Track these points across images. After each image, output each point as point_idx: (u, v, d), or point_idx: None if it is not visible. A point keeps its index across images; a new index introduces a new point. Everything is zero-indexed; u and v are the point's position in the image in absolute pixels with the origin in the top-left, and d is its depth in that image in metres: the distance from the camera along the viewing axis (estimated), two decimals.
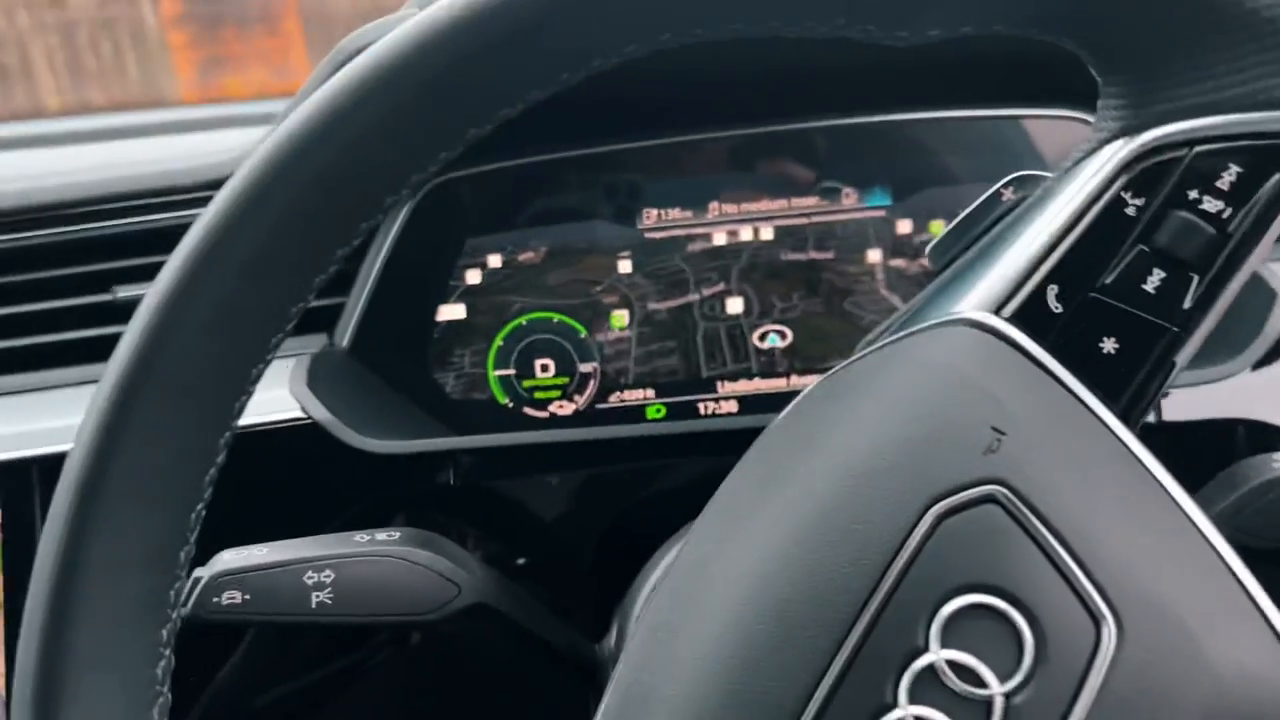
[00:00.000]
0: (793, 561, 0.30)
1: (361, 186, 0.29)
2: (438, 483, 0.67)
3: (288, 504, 0.62)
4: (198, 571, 0.46)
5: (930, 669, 0.28)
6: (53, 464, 0.60)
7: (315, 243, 0.29)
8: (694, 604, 0.31)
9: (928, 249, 0.38)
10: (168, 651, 0.28)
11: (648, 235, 0.68)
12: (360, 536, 0.48)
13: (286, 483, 0.65)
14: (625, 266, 0.68)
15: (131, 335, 0.28)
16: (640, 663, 0.31)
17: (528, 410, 0.69)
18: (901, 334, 0.34)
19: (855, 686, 0.28)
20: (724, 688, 0.29)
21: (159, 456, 0.28)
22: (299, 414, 0.62)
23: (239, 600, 0.45)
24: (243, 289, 0.28)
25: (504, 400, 0.68)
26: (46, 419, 0.63)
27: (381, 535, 0.48)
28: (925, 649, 0.28)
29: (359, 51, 0.59)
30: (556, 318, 0.68)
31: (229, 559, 0.47)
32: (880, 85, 0.70)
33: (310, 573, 0.45)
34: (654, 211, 0.68)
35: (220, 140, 0.88)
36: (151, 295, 0.28)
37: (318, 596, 0.45)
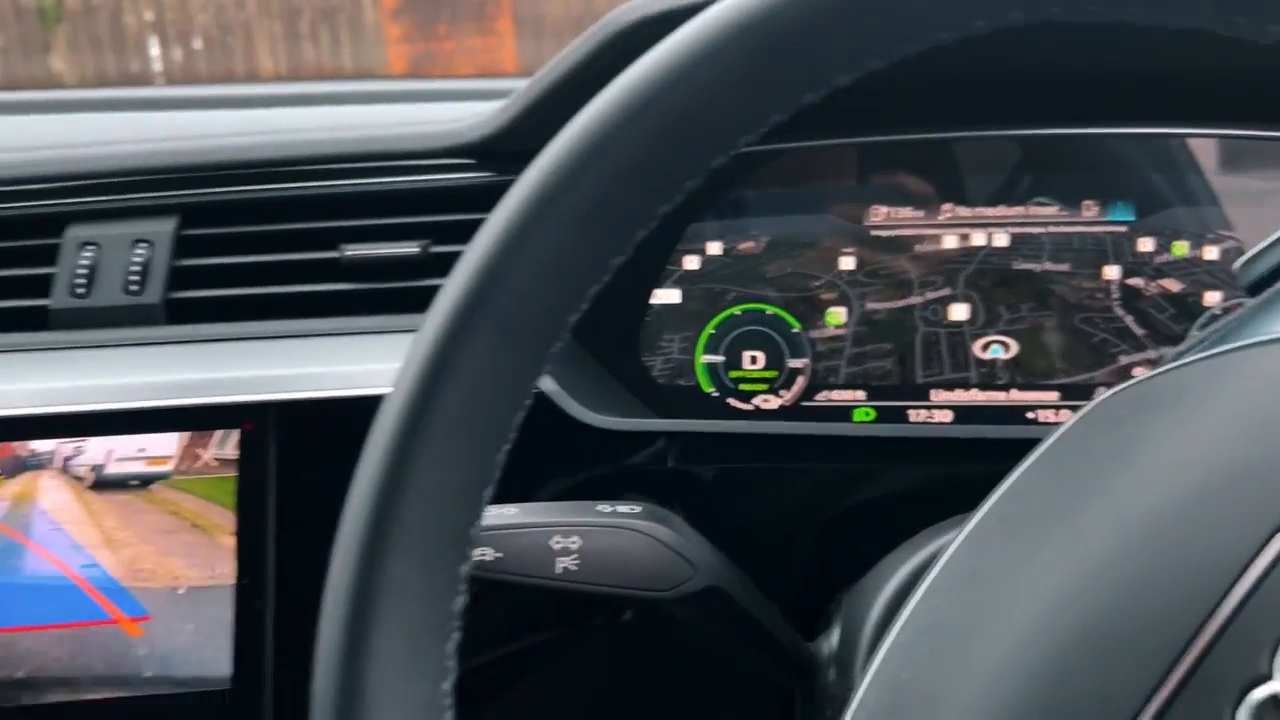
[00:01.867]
0: (1119, 575, 0.28)
1: (693, 145, 0.28)
2: (638, 465, 0.67)
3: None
4: None
5: (1274, 700, 0.26)
6: (289, 408, 0.62)
7: (643, 198, 0.28)
8: (987, 609, 0.29)
9: (1237, 264, 0.35)
10: (464, 589, 0.28)
11: (874, 233, 0.66)
12: (603, 507, 0.47)
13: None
14: (848, 263, 0.66)
15: (467, 270, 0.28)
16: (915, 661, 0.29)
17: (731, 401, 0.67)
18: (1227, 348, 0.31)
19: (1186, 712, 0.26)
20: (1027, 701, 0.27)
21: (483, 391, 0.28)
22: None
23: (489, 558, 0.45)
24: (574, 238, 0.28)
25: (709, 389, 0.67)
26: (278, 366, 0.65)
27: (624, 508, 0.47)
28: (1269, 677, 0.26)
29: (636, 22, 0.59)
30: (771, 310, 0.67)
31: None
32: (1133, 97, 0.66)
33: (558, 537, 0.45)
34: (883, 209, 0.66)
35: (431, 112, 0.89)
36: (491, 231, 0.28)
37: (562, 563, 0.45)
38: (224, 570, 0.59)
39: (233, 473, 0.60)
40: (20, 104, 0.96)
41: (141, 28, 5.68)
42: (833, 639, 0.50)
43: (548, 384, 0.61)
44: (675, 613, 0.47)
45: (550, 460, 0.64)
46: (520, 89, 0.69)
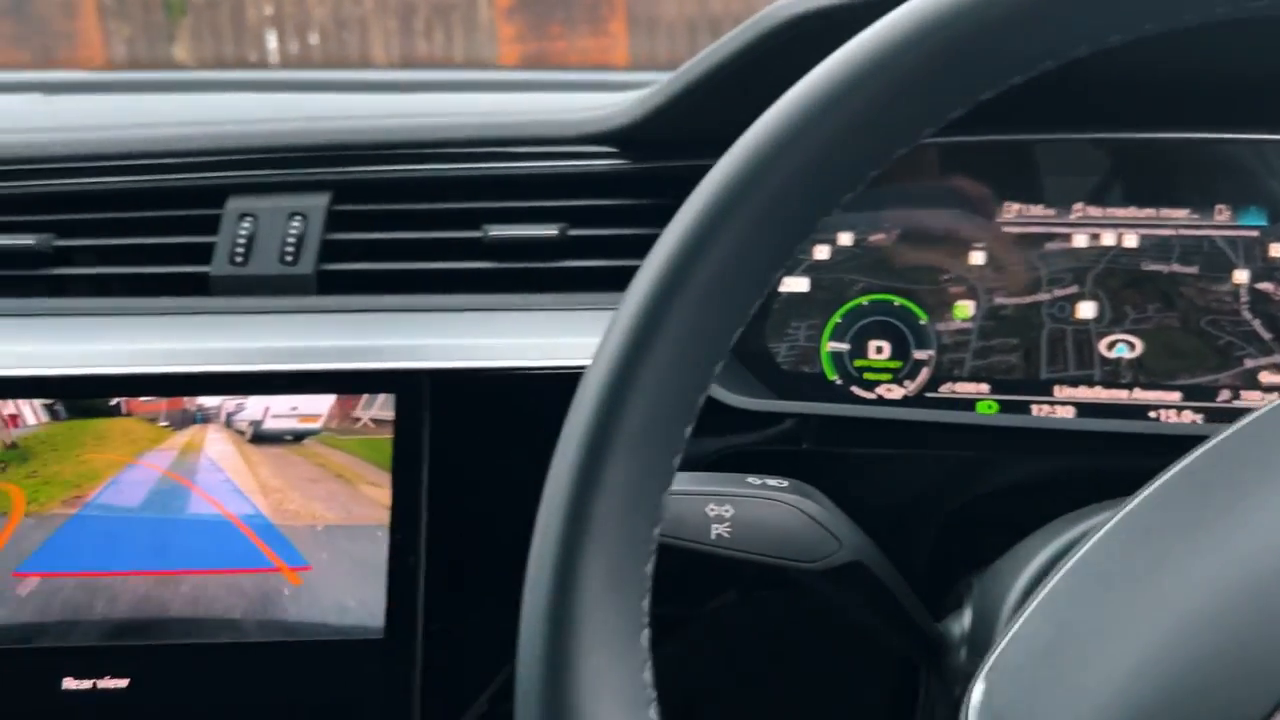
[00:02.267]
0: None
1: (881, 138, 0.30)
2: (764, 447, 0.69)
3: None
4: None
5: None
6: (442, 377, 0.65)
7: (827, 187, 0.30)
8: (1141, 585, 0.30)
9: None
10: (654, 549, 0.30)
11: (1005, 229, 0.67)
12: (753, 479, 0.49)
13: None
14: (978, 258, 0.67)
15: (669, 246, 0.30)
16: (1080, 601, 0.30)
17: (855, 389, 0.69)
18: None
19: None
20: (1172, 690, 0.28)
21: (680, 363, 0.30)
22: None
23: None
24: (761, 228, 0.30)
25: (833, 376, 0.69)
26: (426, 337, 0.68)
27: (772, 482, 0.49)
28: None
29: (792, 19, 0.61)
30: (898, 301, 0.68)
31: None
32: (1269, 102, 0.66)
33: (712, 505, 0.48)
34: (1015, 206, 0.67)
35: (548, 101, 0.92)
36: (696, 203, 0.30)
37: (717, 529, 0.47)
38: (360, 513, 0.62)
39: (383, 433, 0.64)
40: (151, 83, 1.02)
41: (261, 21, 5.87)
42: (964, 620, 0.51)
43: None
44: (817, 585, 0.49)
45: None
46: (664, 80, 0.71)
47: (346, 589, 0.61)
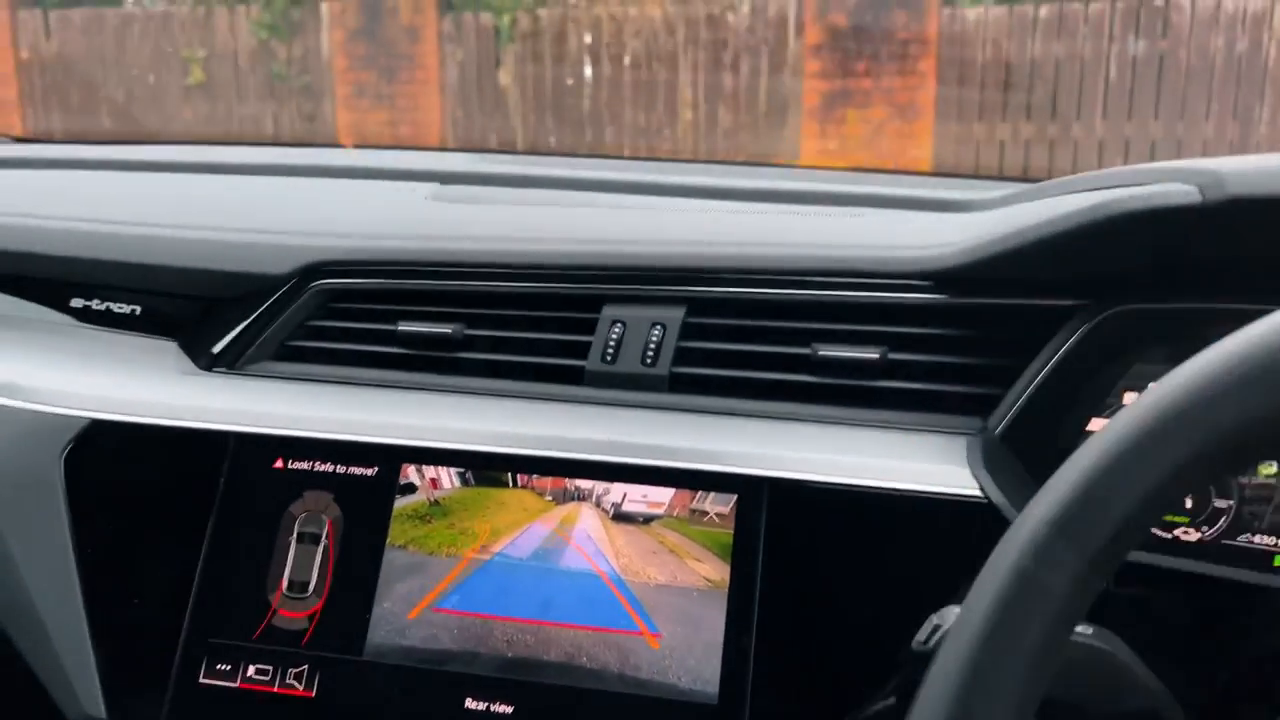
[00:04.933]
0: None
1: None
2: None
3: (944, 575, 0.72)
4: None
5: None
6: (776, 483, 0.76)
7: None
8: None
9: None
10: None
11: None
12: None
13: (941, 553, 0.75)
14: None
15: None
16: None
17: (1154, 530, 0.74)
18: None
19: None
20: None
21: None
22: (959, 489, 0.74)
23: None
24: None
25: None
26: (767, 446, 0.80)
27: (1079, 628, 0.57)
28: None
29: (1150, 210, 0.68)
30: None
31: None
32: None
33: None
34: None
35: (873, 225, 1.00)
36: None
37: None
38: (685, 580, 0.75)
39: (721, 528, 0.76)
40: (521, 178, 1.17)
41: (580, 49, 6.27)
42: None
43: (996, 495, 0.72)
44: None
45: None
46: (994, 228, 0.80)
47: (689, 657, 0.73)
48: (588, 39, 6.26)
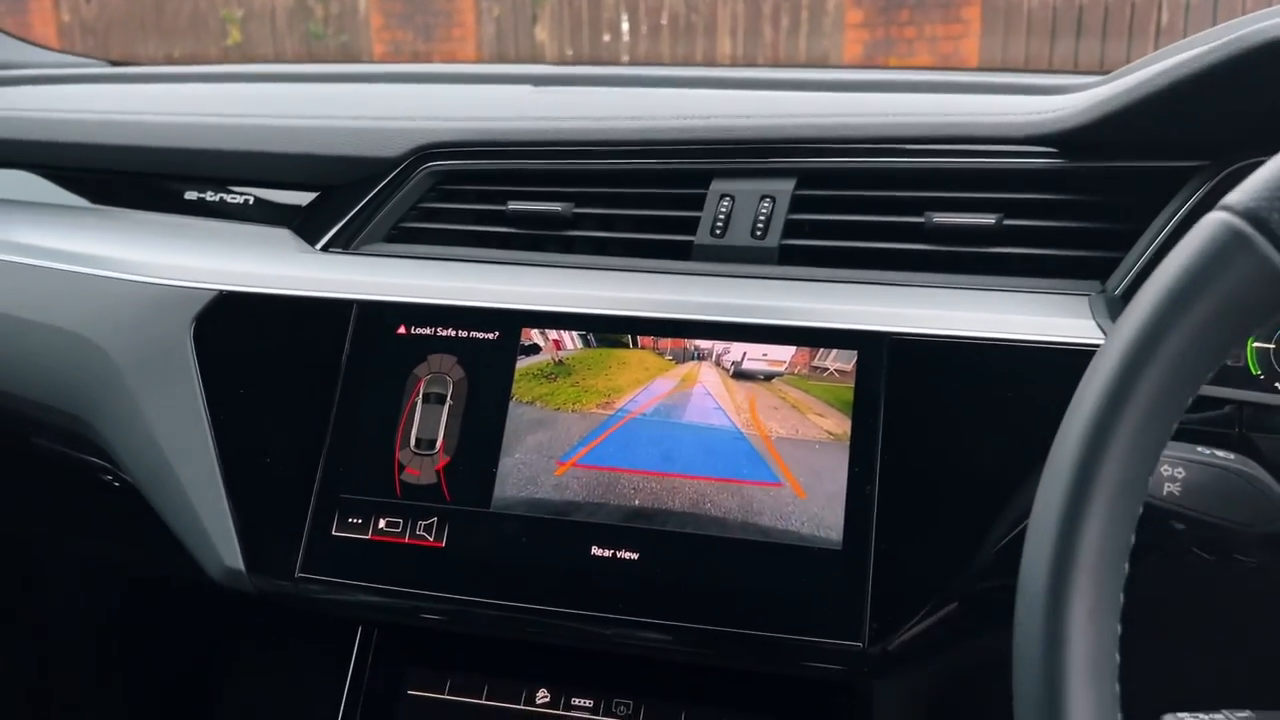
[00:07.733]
0: None
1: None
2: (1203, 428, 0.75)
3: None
4: None
5: None
6: (897, 339, 0.78)
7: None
8: None
9: None
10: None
11: None
12: (1201, 449, 0.58)
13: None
14: None
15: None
16: None
17: (1277, 384, 0.75)
18: None
19: None
20: None
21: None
22: (1083, 339, 0.74)
23: None
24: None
25: (1256, 371, 0.75)
26: (883, 304, 0.81)
27: (1220, 453, 0.58)
28: None
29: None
30: None
31: None
32: None
33: (1166, 465, 0.57)
34: None
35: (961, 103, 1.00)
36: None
37: (1169, 487, 0.56)
38: (806, 433, 0.76)
39: (843, 383, 0.77)
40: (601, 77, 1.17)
41: (618, 4, 6.24)
42: None
43: None
44: (1251, 550, 0.56)
45: None
46: (1110, 87, 0.80)
47: (813, 505, 0.75)
48: None
